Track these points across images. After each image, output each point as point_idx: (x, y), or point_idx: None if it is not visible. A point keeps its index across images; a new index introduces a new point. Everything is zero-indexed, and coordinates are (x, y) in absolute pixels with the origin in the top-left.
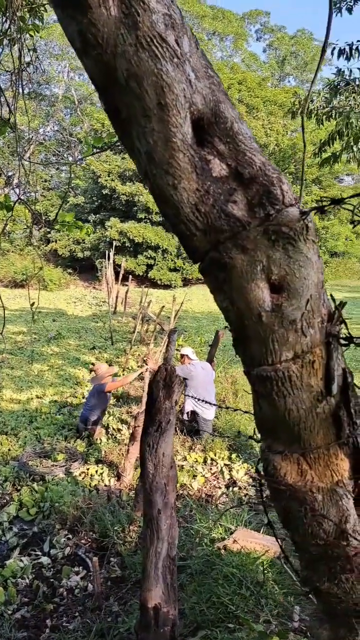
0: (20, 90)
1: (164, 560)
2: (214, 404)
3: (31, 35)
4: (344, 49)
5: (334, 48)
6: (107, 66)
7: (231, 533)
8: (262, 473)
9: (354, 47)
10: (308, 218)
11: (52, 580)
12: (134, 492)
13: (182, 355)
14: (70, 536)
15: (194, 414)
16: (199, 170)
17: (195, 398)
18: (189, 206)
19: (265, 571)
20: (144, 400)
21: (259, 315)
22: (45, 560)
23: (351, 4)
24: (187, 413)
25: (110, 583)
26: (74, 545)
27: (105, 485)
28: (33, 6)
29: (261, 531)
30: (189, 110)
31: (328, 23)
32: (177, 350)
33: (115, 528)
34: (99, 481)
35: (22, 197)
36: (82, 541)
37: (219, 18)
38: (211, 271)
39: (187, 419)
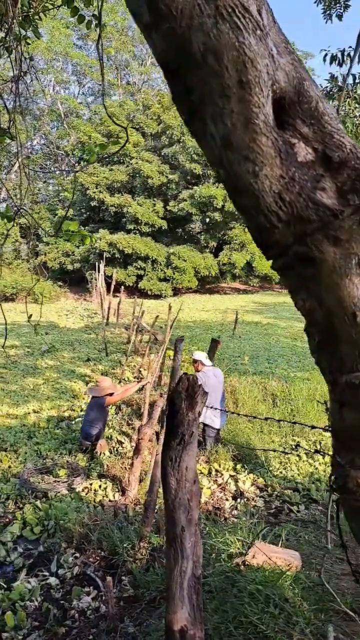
0: (18, 99)
1: (189, 580)
2: (224, 410)
3: (28, 43)
4: (336, 55)
5: (326, 54)
6: (181, 41)
7: (248, 547)
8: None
9: (346, 53)
10: None
11: (62, 602)
12: (140, 506)
13: (195, 361)
14: (77, 555)
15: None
16: (283, 155)
17: (207, 407)
18: (272, 195)
19: (291, 587)
20: (145, 412)
21: (353, 315)
22: (53, 581)
23: (341, 11)
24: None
25: (124, 603)
26: (82, 564)
27: (110, 501)
28: (29, 14)
29: (279, 544)
30: (271, 88)
31: None
32: (182, 361)
33: (125, 545)
34: (103, 496)
35: (20, 210)
36: (90, 559)
37: None
38: (294, 267)
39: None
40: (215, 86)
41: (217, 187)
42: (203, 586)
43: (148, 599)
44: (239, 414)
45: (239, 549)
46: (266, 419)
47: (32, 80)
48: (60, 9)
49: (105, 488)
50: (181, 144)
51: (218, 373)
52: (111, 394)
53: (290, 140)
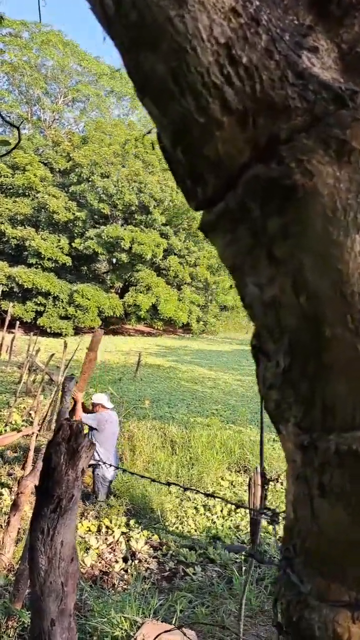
0: None
1: None
2: (116, 467)
3: None
4: None
5: None
6: None
7: (137, 628)
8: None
9: None
10: None
11: None
12: (13, 574)
13: (95, 405)
14: None
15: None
16: None
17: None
18: (212, 48)
19: None
20: (29, 461)
21: None
22: None
23: None
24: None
25: None
26: None
27: None
28: None
29: (174, 620)
30: None
31: None
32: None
33: None
34: None
35: None
36: None
37: (117, 78)
38: (248, 214)
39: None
40: None
41: (125, 229)
42: None
43: None
44: (125, 471)
45: (126, 630)
46: (176, 485)
47: None
48: None
49: None
50: (90, 183)
51: (116, 417)
52: None
53: None
